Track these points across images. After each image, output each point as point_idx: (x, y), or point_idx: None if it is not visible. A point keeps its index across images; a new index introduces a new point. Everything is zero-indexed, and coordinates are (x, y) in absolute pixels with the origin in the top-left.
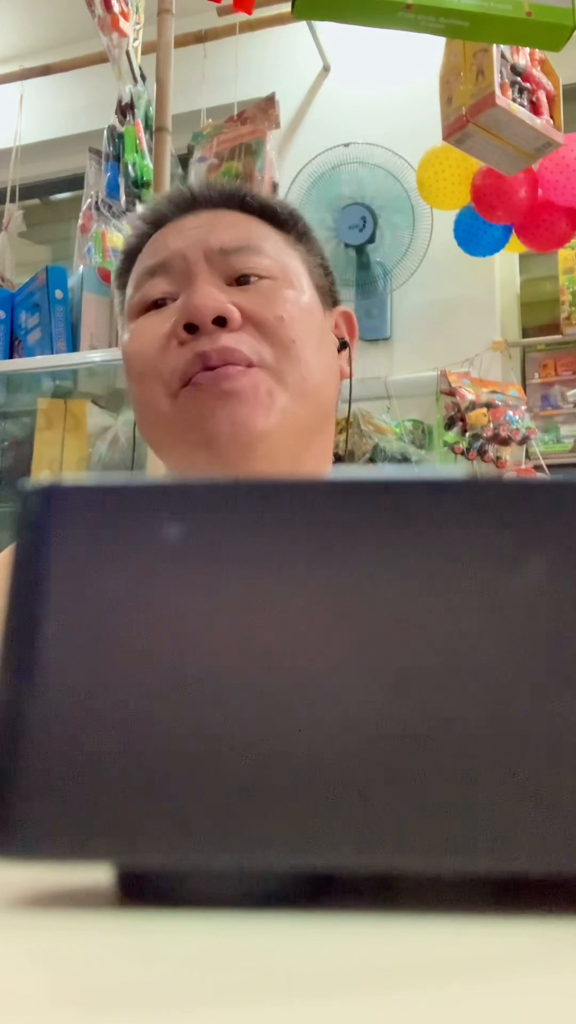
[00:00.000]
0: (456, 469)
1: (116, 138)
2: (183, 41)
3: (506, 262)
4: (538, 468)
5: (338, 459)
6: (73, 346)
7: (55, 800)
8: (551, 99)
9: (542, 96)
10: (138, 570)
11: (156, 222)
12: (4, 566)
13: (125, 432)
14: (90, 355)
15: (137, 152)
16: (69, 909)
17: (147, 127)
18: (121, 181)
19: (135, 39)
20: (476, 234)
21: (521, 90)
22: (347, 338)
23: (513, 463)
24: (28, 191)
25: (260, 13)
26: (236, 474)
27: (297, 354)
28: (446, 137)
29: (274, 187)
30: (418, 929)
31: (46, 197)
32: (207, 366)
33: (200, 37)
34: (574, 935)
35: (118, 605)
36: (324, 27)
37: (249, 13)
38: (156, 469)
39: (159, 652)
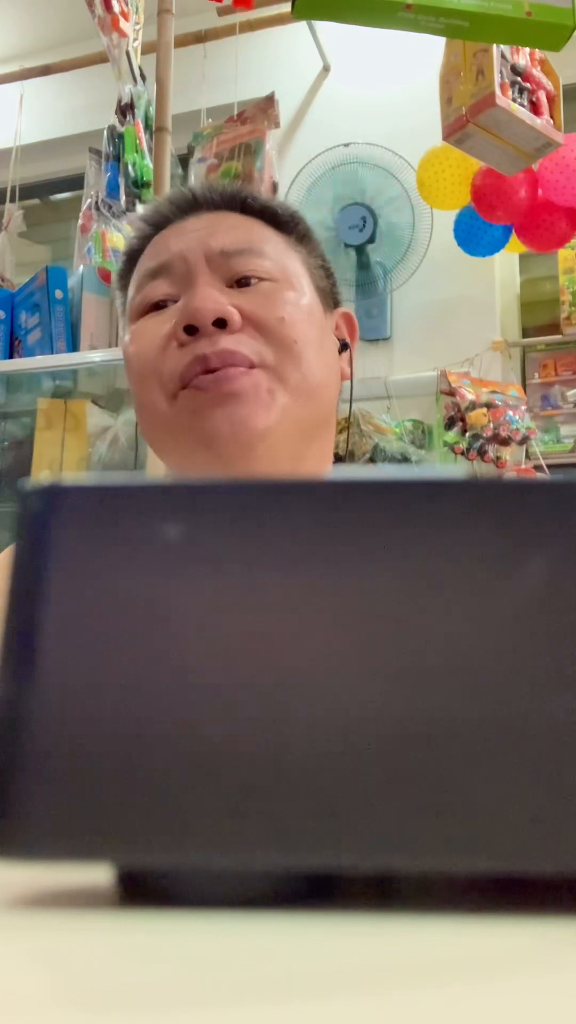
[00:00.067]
0: (456, 469)
1: (116, 138)
2: (183, 41)
3: (506, 262)
4: (538, 468)
5: (338, 459)
6: (73, 346)
7: (55, 800)
8: (551, 99)
9: (542, 96)
10: (138, 570)
11: (157, 224)
12: (4, 566)
13: (125, 432)
14: (90, 355)
15: (137, 152)
16: (69, 909)
17: (147, 127)
18: (121, 181)
19: (135, 39)
20: (476, 234)
21: (521, 90)
22: (348, 339)
23: (513, 463)
24: (28, 191)
25: (260, 13)
26: (236, 474)
27: (298, 354)
28: (446, 137)
29: (274, 187)
30: (418, 929)
31: (46, 197)
32: (207, 369)
33: (200, 37)
34: (574, 935)
35: (118, 605)
36: (324, 27)
37: (249, 8)
38: (156, 469)
39: (159, 652)
